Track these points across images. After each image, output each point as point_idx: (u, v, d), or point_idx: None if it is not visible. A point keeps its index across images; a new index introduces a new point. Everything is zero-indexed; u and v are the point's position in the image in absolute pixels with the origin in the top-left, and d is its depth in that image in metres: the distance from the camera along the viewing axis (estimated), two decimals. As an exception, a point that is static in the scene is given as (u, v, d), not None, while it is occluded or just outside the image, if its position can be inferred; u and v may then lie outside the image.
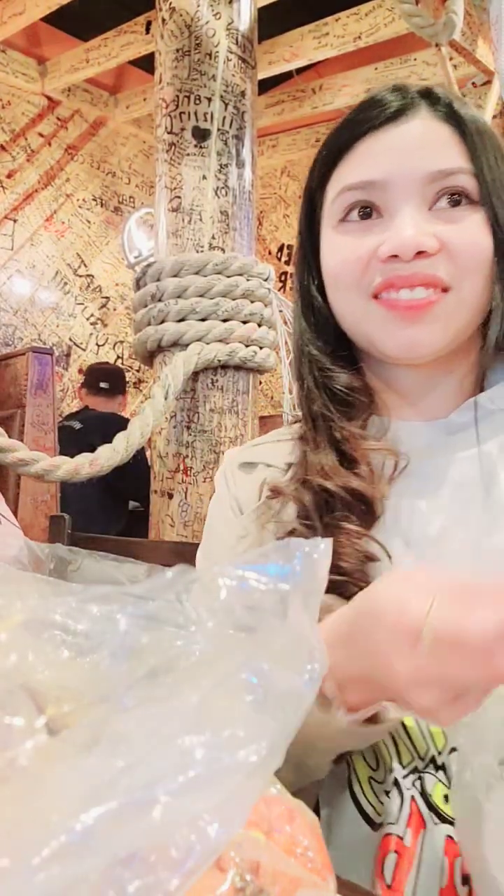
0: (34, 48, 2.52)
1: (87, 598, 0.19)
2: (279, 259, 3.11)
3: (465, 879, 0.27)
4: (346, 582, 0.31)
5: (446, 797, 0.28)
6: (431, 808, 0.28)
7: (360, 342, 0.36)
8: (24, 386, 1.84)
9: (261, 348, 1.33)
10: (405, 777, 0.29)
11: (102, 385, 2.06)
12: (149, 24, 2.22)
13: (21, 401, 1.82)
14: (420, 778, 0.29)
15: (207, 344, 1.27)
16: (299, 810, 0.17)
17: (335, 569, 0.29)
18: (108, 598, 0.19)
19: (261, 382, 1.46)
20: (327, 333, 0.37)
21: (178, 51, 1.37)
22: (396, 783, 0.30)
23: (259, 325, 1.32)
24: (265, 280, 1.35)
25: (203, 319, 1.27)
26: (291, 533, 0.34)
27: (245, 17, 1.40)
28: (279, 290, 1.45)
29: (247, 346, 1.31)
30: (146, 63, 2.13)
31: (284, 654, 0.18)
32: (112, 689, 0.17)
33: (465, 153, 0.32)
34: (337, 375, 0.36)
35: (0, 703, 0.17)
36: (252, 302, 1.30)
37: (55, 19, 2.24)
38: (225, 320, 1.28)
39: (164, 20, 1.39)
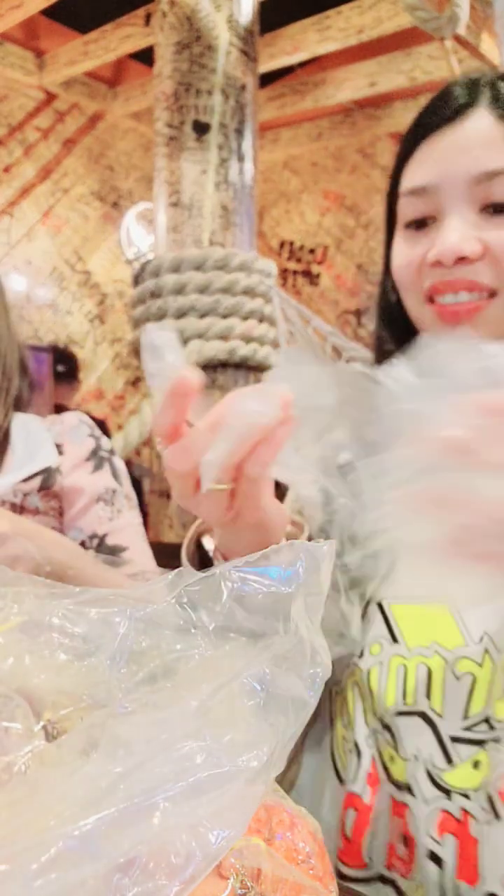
0: (32, 41, 2.49)
1: (85, 600, 0.18)
2: (280, 255, 3.09)
3: (404, 838, 0.28)
4: None
5: (392, 758, 0.29)
6: (385, 767, 0.29)
7: None
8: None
9: (262, 346, 1.32)
10: (367, 737, 0.30)
11: (59, 368, 1.91)
12: (148, 16, 2.19)
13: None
14: (376, 738, 0.30)
15: (207, 341, 1.26)
16: (300, 817, 0.17)
17: None
18: (106, 600, 0.19)
19: (261, 381, 1.46)
20: (399, 330, 0.37)
21: (178, 43, 1.35)
22: (357, 743, 0.31)
23: (260, 322, 1.31)
24: (266, 276, 1.34)
25: (203, 316, 1.26)
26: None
27: (246, 9, 1.38)
28: (280, 286, 1.44)
29: (247, 343, 1.30)
30: (145, 56, 2.10)
31: (286, 659, 0.17)
32: (110, 693, 0.17)
33: None
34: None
35: (-3, 706, 0.16)
36: (253, 298, 1.29)
37: (53, 12, 2.21)
38: (225, 317, 1.27)
39: (163, 12, 1.38)
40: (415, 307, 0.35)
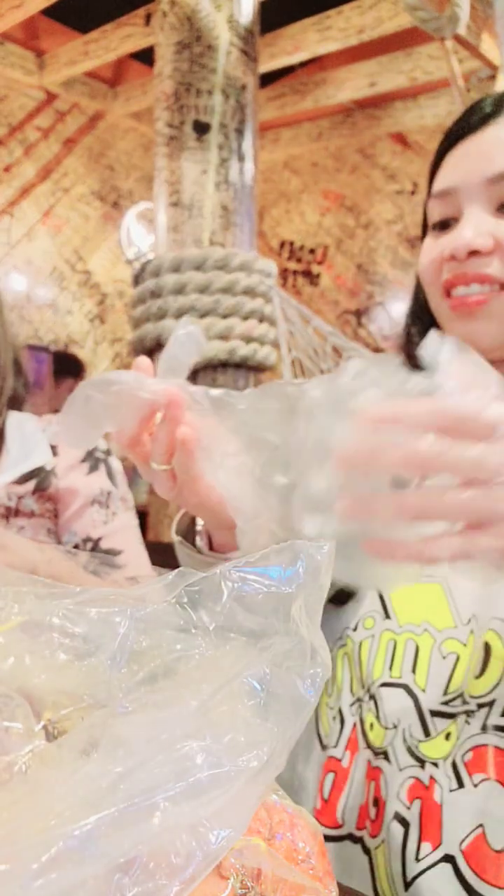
0: (32, 41, 2.49)
1: (86, 600, 0.18)
2: (280, 255, 3.09)
3: (376, 801, 0.29)
4: None
5: (372, 725, 0.31)
6: (364, 733, 0.31)
7: None
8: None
9: (262, 346, 1.32)
10: (351, 705, 0.32)
11: (67, 371, 2.04)
12: (149, 16, 2.19)
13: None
14: (360, 707, 0.32)
15: (208, 341, 1.26)
16: (300, 817, 0.17)
17: None
18: (106, 600, 0.19)
19: (261, 381, 1.46)
20: (426, 328, 0.39)
21: (178, 43, 1.35)
22: (342, 710, 0.33)
23: (260, 322, 1.32)
24: (266, 276, 1.34)
25: (203, 316, 1.26)
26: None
27: (247, 9, 1.38)
28: (280, 286, 1.44)
29: (247, 343, 1.30)
30: (146, 56, 2.10)
31: (286, 659, 0.17)
32: (111, 693, 0.17)
33: None
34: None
35: (-3, 706, 0.16)
36: (253, 298, 1.29)
37: (54, 12, 2.21)
38: (225, 317, 1.27)
39: (164, 12, 1.38)
40: (434, 302, 0.36)
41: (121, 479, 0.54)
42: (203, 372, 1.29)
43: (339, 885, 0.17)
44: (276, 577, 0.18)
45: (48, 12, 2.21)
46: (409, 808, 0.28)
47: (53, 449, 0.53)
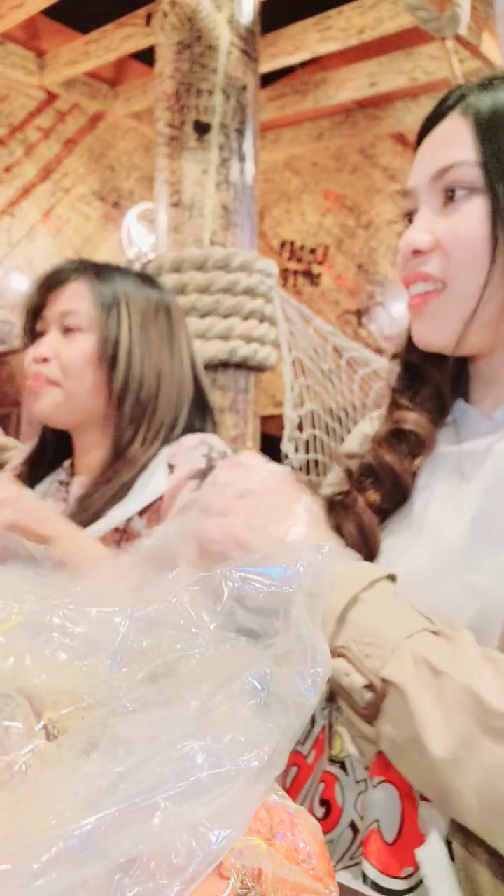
0: (33, 41, 2.49)
1: (86, 599, 0.18)
2: (281, 255, 3.09)
3: (322, 802, 0.31)
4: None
5: (337, 733, 0.32)
6: (330, 738, 0.32)
7: None
8: (21, 384, 1.82)
9: (262, 346, 1.32)
10: (323, 709, 0.33)
11: None
12: (149, 16, 2.19)
13: (18, 399, 1.81)
14: (331, 713, 0.33)
15: (208, 341, 1.27)
16: (301, 816, 0.17)
17: (336, 531, 0.34)
18: (107, 599, 0.19)
19: (262, 381, 1.45)
20: None
21: (179, 43, 1.35)
22: (314, 713, 0.33)
23: (261, 322, 1.31)
24: (267, 276, 1.34)
25: (203, 316, 1.26)
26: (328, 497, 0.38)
27: (247, 9, 1.38)
28: (281, 286, 1.43)
29: (248, 343, 1.30)
30: (146, 56, 2.10)
31: (286, 658, 0.17)
32: (111, 692, 0.17)
33: (474, 144, 0.32)
34: (407, 352, 0.38)
35: (-2, 705, 0.16)
36: (253, 298, 1.29)
37: (54, 12, 2.21)
38: (226, 317, 1.27)
39: (164, 12, 1.38)
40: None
41: None
42: (204, 372, 1.29)
43: (340, 886, 0.17)
44: (276, 577, 0.18)
45: (49, 12, 2.21)
46: (362, 819, 0.29)
47: (171, 468, 0.53)
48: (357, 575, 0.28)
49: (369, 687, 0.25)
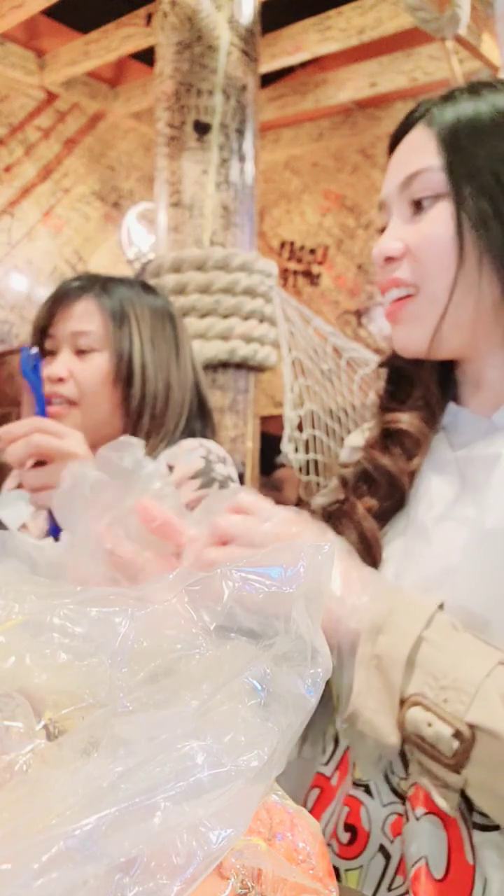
0: (33, 41, 2.49)
1: (86, 600, 0.19)
2: (281, 255, 3.09)
3: (347, 827, 0.30)
4: None
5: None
6: (353, 761, 0.32)
7: None
8: (20, 384, 1.82)
9: (262, 346, 1.32)
10: (345, 730, 0.32)
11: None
12: (149, 16, 2.19)
13: (17, 398, 1.80)
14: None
15: (208, 341, 1.27)
16: (301, 817, 0.17)
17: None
18: (107, 600, 0.19)
19: (262, 381, 1.45)
20: None
21: (179, 43, 1.35)
22: (338, 731, 0.33)
23: (260, 322, 1.32)
24: (267, 277, 1.34)
25: (203, 316, 1.26)
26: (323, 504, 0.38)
27: (247, 9, 1.38)
28: (281, 286, 1.44)
29: (248, 343, 1.30)
30: (146, 56, 2.10)
31: (287, 659, 0.17)
32: (111, 692, 0.17)
33: (438, 151, 0.33)
34: (392, 358, 0.39)
35: (-2, 705, 0.16)
36: (253, 298, 1.29)
37: (54, 12, 2.21)
38: (225, 317, 1.27)
39: (165, 12, 1.38)
40: None
41: None
42: (204, 372, 1.29)
43: (340, 886, 0.17)
44: (277, 578, 0.18)
45: (49, 12, 2.21)
46: (392, 843, 0.28)
47: (170, 468, 0.53)
48: (412, 612, 0.26)
49: (457, 735, 0.23)
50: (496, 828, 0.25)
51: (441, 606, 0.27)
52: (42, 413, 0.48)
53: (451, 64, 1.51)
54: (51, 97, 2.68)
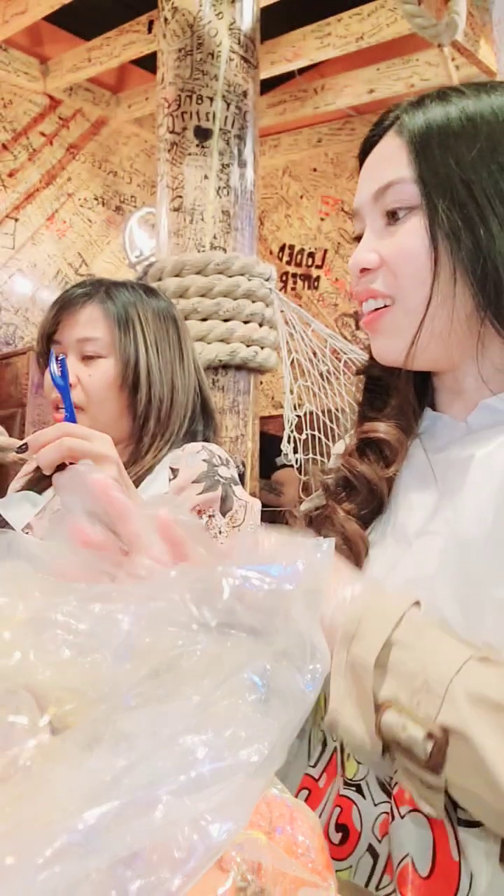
0: (36, 47, 2.52)
1: (90, 597, 0.19)
2: (280, 259, 3.11)
3: (339, 827, 0.30)
4: None
5: (349, 755, 0.31)
6: (342, 762, 0.31)
7: None
8: (24, 385, 1.84)
9: (262, 348, 1.33)
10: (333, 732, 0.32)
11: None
12: (151, 23, 2.22)
13: (22, 400, 1.82)
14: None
15: (209, 344, 1.27)
16: (300, 810, 0.17)
17: None
18: (110, 597, 0.19)
19: (261, 382, 1.46)
20: None
21: (180, 50, 1.36)
22: (325, 734, 0.33)
23: (260, 325, 1.32)
24: (267, 280, 1.35)
25: (204, 319, 1.27)
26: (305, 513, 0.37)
27: (247, 16, 1.40)
28: (280, 290, 1.44)
29: (248, 346, 1.30)
30: (148, 62, 2.13)
31: (286, 655, 0.18)
32: (114, 688, 0.17)
33: (409, 161, 0.33)
34: (369, 367, 0.39)
35: (2, 702, 0.17)
36: (253, 302, 1.30)
37: (57, 18, 2.23)
38: (226, 320, 1.28)
39: (166, 20, 1.39)
40: None
41: (241, 512, 0.54)
42: (205, 373, 1.29)
43: (339, 879, 0.17)
44: (276, 575, 0.19)
45: (52, 19, 2.24)
46: (380, 842, 0.28)
47: (173, 472, 0.53)
48: (382, 613, 0.25)
49: (430, 737, 0.23)
50: (480, 823, 0.25)
51: (417, 604, 0.27)
52: (71, 418, 0.48)
53: (449, 70, 1.53)
54: (54, 103, 2.71)
